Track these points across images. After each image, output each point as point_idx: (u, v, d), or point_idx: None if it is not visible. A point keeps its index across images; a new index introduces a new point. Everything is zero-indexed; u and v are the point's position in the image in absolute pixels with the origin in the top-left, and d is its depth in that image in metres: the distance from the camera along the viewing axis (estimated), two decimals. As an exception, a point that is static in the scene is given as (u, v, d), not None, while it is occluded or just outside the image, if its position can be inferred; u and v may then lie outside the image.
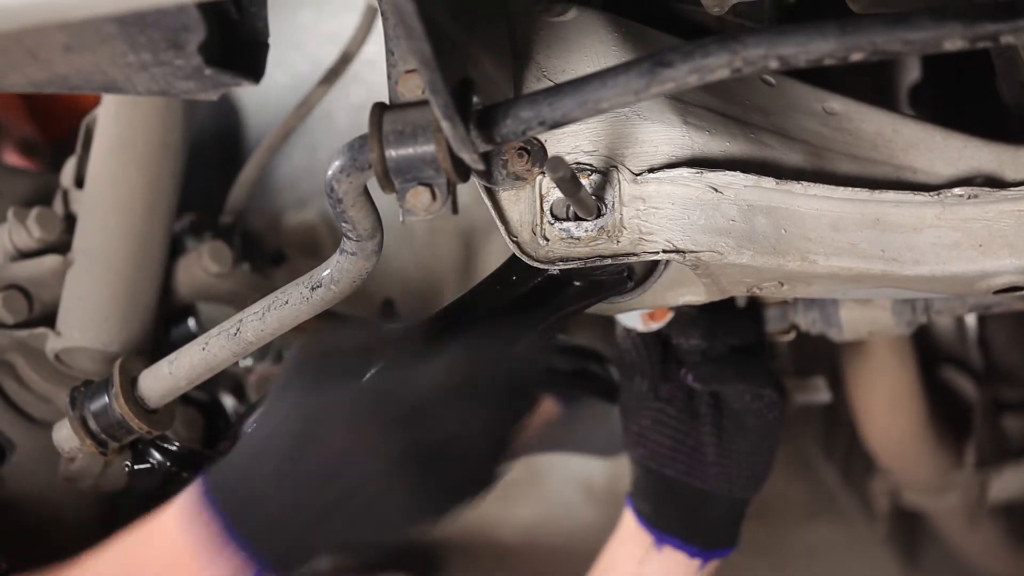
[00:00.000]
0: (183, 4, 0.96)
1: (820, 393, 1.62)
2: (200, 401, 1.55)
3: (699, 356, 1.40)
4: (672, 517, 1.40)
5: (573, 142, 1.16)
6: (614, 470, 2.27)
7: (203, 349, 1.27)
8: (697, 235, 1.15)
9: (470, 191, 1.21)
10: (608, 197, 1.15)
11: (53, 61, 1.03)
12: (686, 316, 1.39)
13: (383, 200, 1.11)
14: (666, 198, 1.16)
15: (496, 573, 2.43)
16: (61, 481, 1.43)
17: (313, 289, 1.19)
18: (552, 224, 1.15)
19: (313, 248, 2.17)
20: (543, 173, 1.16)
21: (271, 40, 1.10)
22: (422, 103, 1.04)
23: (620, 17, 1.24)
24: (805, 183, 1.15)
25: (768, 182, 1.15)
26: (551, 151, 1.16)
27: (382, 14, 1.11)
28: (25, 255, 1.51)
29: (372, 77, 2.12)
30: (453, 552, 2.45)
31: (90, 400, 1.34)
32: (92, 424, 1.33)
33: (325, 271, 1.18)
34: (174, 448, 1.37)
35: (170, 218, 1.54)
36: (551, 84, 1.15)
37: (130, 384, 1.33)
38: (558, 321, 1.22)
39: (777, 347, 1.53)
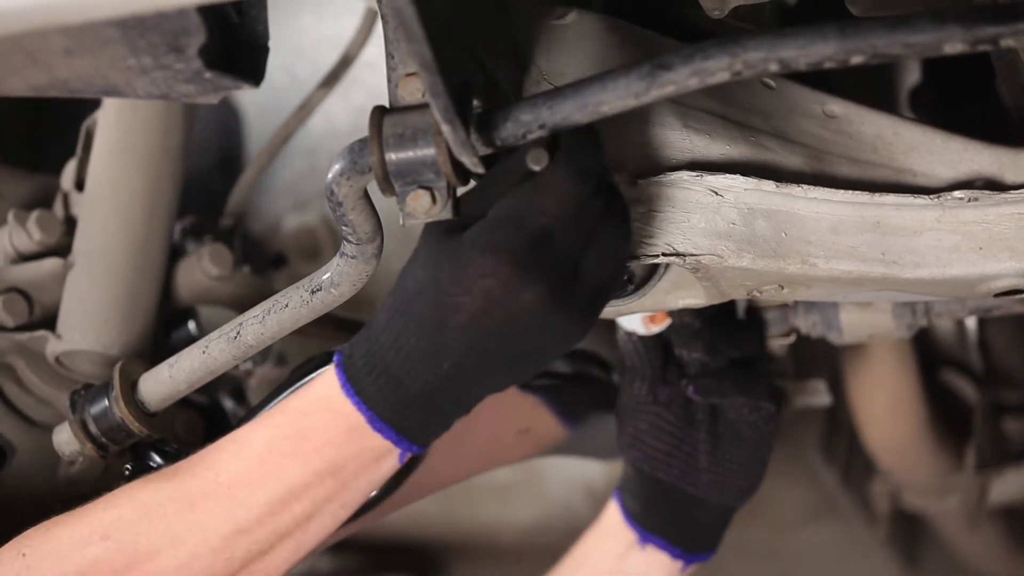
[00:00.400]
0: (183, 8, 0.96)
1: (820, 396, 1.62)
2: (200, 404, 1.55)
3: (700, 367, 1.41)
4: (660, 518, 1.41)
5: (573, 145, 1.16)
6: (614, 473, 2.26)
7: (203, 352, 1.27)
8: (697, 238, 1.15)
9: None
10: (608, 200, 1.15)
11: (53, 65, 1.03)
12: (689, 329, 1.40)
13: (383, 203, 1.11)
14: (666, 201, 1.16)
15: (496, 575, 2.43)
16: (61, 484, 1.43)
17: (313, 292, 1.19)
18: (552, 227, 1.15)
19: (313, 251, 2.17)
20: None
21: (271, 43, 1.10)
22: (422, 106, 1.04)
23: (620, 20, 1.24)
24: (805, 186, 1.15)
25: (768, 185, 1.15)
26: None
27: (382, 17, 1.11)
28: (25, 258, 1.51)
29: (372, 80, 2.11)
30: (453, 554, 2.45)
31: (90, 403, 1.34)
32: (92, 427, 1.33)
33: (325, 274, 1.18)
34: (174, 451, 1.37)
35: (170, 221, 1.54)
36: (551, 87, 1.15)
37: (130, 387, 1.33)
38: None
39: (775, 353, 1.53)
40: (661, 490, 1.41)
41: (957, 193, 1.13)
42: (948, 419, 2.04)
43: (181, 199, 1.56)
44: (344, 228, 1.12)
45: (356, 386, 1.09)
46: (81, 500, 1.20)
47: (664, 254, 1.15)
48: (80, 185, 1.53)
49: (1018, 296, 1.17)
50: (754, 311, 1.49)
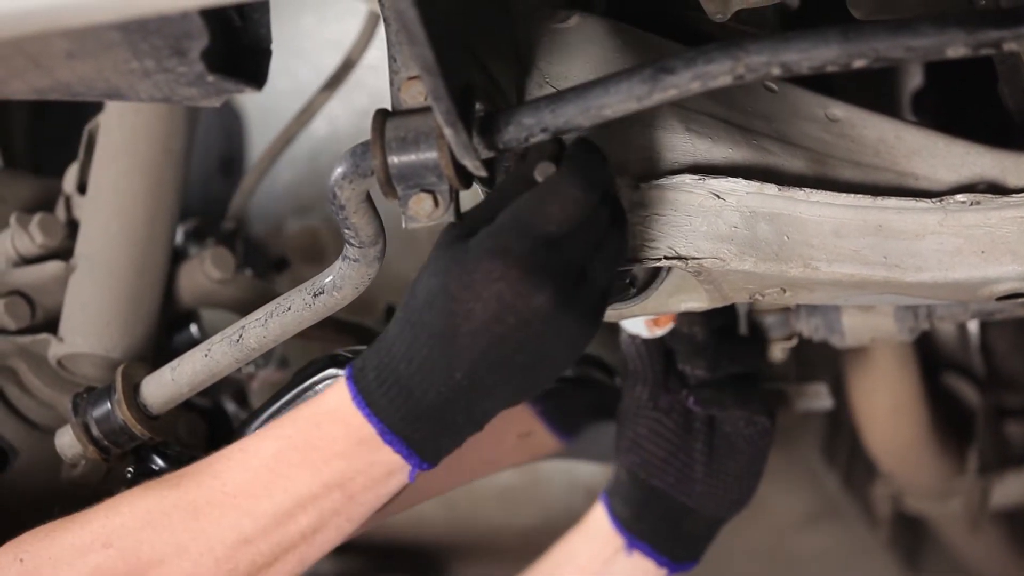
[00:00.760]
0: (186, 11, 0.96)
1: (822, 399, 1.62)
2: (203, 407, 1.55)
3: (701, 380, 1.41)
4: (649, 525, 1.40)
5: (575, 149, 1.16)
6: (616, 476, 2.26)
7: (205, 355, 1.27)
8: (699, 242, 1.15)
9: (472, 197, 1.21)
10: (610, 204, 1.15)
11: (55, 68, 1.03)
12: (692, 345, 1.40)
13: (386, 206, 1.11)
14: (668, 205, 1.16)
15: (497, 578, 2.43)
16: (64, 487, 1.43)
17: (316, 295, 1.19)
18: (555, 230, 1.15)
19: (316, 254, 2.17)
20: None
21: (273, 46, 1.10)
22: (425, 109, 1.04)
23: (623, 24, 1.24)
24: (807, 190, 1.15)
25: (770, 189, 1.15)
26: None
27: (384, 20, 1.11)
28: (28, 261, 1.51)
29: (375, 83, 2.11)
30: (455, 556, 2.45)
31: (92, 406, 1.34)
32: (95, 430, 1.33)
33: (328, 277, 1.18)
34: (177, 454, 1.37)
35: (172, 224, 1.54)
36: (554, 91, 1.15)
37: (132, 390, 1.33)
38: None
39: (777, 357, 1.53)
40: (654, 497, 1.41)
41: (959, 197, 1.13)
42: (950, 422, 2.04)
43: (183, 202, 1.56)
44: (346, 231, 1.12)
45: (367, 398, 1.08)
46: (80, 503, 1.19)
47: (666, 257, 1.15)
48: (82, 188, 1.53)
49: (1020, 299, 1.17)
50: (756, 327, 1.49)
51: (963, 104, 1.59)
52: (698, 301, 1.24)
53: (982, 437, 2.07)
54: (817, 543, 2.39)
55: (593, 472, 2.19)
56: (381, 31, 1.31)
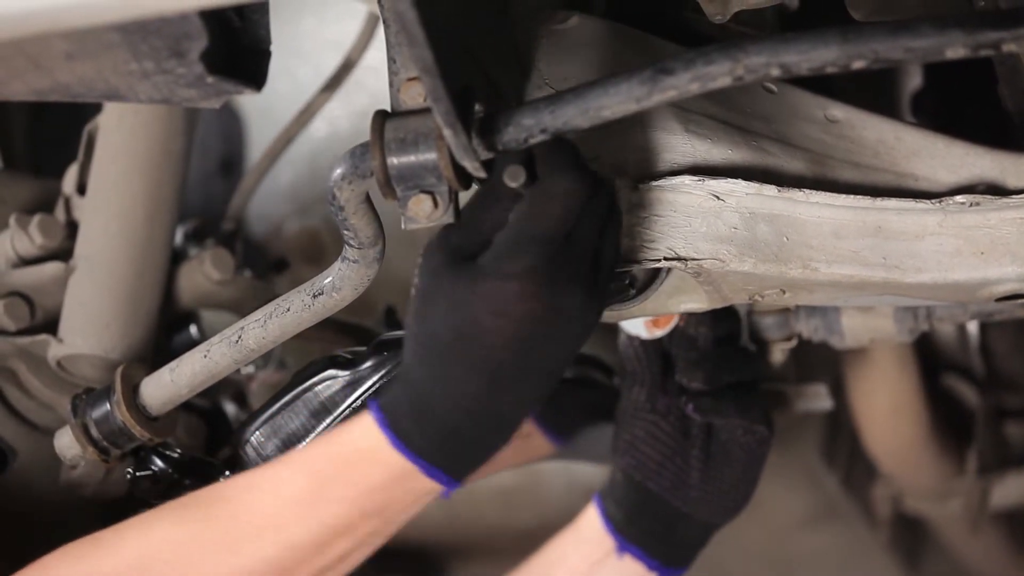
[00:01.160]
0: (185, 12, 0.96)
1: (822, 400, 1.62)
2: (202, 408, 1.55)
3: (699, 390, 1.40)
4: (642, 529, 1.40)
5: (574, 150, 1.16)
6: (615, 477, 2.26)
7: (205, 356, 1.27)
8: (699, 243, 1.15)
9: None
10: (610, 204, 1.15)
11: (55, 69, 1.03)
12: (691, 354, 1.39)
13: (385, 206, 1.11)
14: (668, 206, 1.16)
15: (496, 579, 2.42)
16: (63, 488, 1.43)
17: (315, 296, 1.19)
18: (554, 232, 1.15)
19: (315, 255, 2.17)
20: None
21: (273, 47, 1.10)
22: (424, 111, 1.04)
23: (622, 25, 1.24)
24: (807, 191, 1.15)
25: (770, 190, 1.15)
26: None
27: (384, 21, 1.11)
28: (27, 262, 1.51)
29: (374, 84, 2.11)
30: (454, 557, 2.45)
31: (92, 407, 1.34)
32: (94, 431, 1.33)
33: (327, 278, 1.18)
34: (176, 455, 1.37)
35: (172, 225, 1.54)
36: (553, 92, 1.15)
37: (132, 391, 1.33)
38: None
39: (777, 358, 1.53)
40: (648, 500, 1.40)
41: (959, 198, 1.13)
42: (949, 423, 2.04)
43: (183, 203, 1.56)
44: (346, 232, 1.12)
45: (406, 440, 1.09)
46: (82, 504, 1.20)
47: (666, 258, 1.15)
48: (82, 189, 1.53)
49: (1020, 300, 1.17)
50: (755, 328, 1.49)
51: (962, 105, 1.59)
52: (698, 302, 1.24)
53: (982, 438, 2.07)
54: (817, 544, 2.39)
55: (592, 473, 2.19)
56: (381, 32, 1.31)
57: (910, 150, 1.19)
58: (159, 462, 1.36)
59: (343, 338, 1.55)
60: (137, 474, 1.37)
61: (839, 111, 1.21)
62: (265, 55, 1.09)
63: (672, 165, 1.17)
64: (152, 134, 1.51)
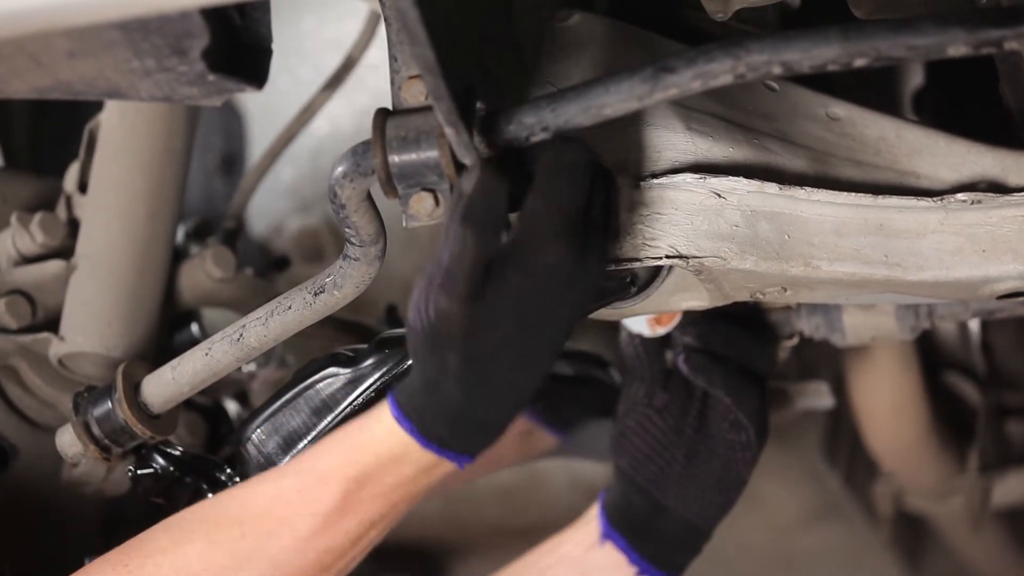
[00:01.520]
0: (187, 10, 0.96)
1: (823, 398, 1.62)
2: (203, 406, 1.55)
3: (690, 345, 1.40)
4: (625, 518, 1.40)
5: (576, 148, 1.16)
6: (617, 475, 2.26)
7: (206, 354, 1.27)
8: (700, 240, 1.15)
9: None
10: (611, 203, 1.15)
11: (56, 67, 1.03)
12: (691, 318, 1.38)
13: (386, 204, 1.11)
14: (669, 204, 1.16)
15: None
16: (64, 486, 1.43)
17: (316, 294, 1.19)
18: (556, 230, 1.15)
19: (316, 253, 2.17)
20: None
21: (274, 45, 1.10)
22: (425, 109, 1.04)
23: (623, 23, 1.24)
24: (808, 188, 1.15)
25: (771, 188, 1.15)
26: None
27: (385, 20, 1.11)
28: (28, 260, 1.51)
29: (375, 83, 2.12)
30: (454, 556, 2.45)
31: (93, 405, 1.34)
32: (95, 429, 1.34)
33: (328, 276, 1.18)
34: (177, 453, 1.37)
35: (173, 223, 1.54)
36: (554, 90, 1.15)
37: (133, 389, 1.33)
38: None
39: (778, 357, 1.53)
40: (633, 490, 1.41)
41: (960, 195, 1.13)
42: (951, 421, 2.04)
43: (184, 201, 1.56)
44: (347, 230, 1.12)
45: (440, 444, 1.14)
46: (83, 502, 1.20)
47: (667, 256, 1.15)
48: (83, 187, 1.53)
49: (1021, 298, 1.17)
50: (767, 328, 1.48)
51: (964, 103, 1.59)
52: (699, 300, 1.24)
53: (983, 436, 2.06)
54: (818, 541, 2.39)
55: (595, 471, 2.19)
56: (382, 30, 1.31)
57: (912, 148, 1.19)
58: (160, 460, 1.36)
59: (344, 336, 1.55)
60: (138, 472, 1.37)
61: (841, 109, 1.21)
62: (266, 53, 1.09)
63: (673, 163, 1.17)
64: (153, 132, 1.51)
